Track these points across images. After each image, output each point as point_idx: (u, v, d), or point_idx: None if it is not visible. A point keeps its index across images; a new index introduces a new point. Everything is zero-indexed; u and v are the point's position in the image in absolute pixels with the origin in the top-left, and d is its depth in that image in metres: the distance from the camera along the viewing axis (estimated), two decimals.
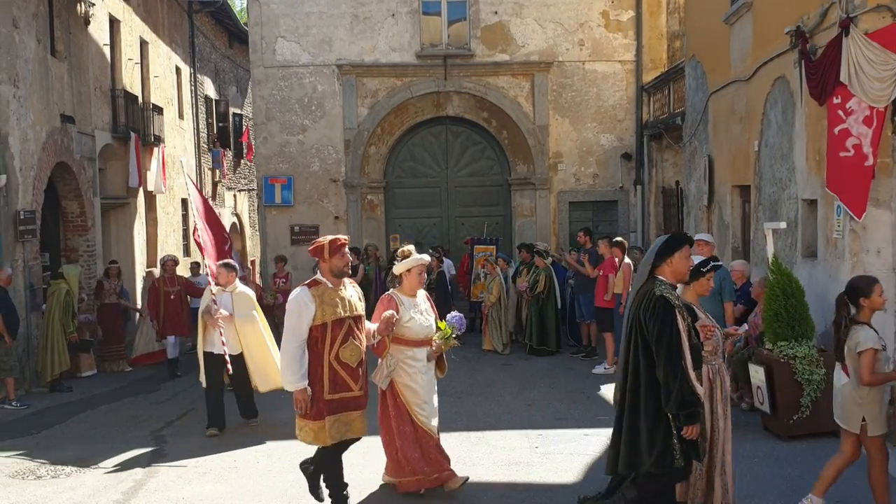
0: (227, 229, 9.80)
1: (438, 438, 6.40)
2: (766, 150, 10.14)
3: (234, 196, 25.31)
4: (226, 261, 9.07)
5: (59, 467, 7.64)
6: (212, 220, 9.97)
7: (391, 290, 6.42)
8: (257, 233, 22.63)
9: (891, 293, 7.56)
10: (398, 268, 6.32)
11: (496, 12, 17.03)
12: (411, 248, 6.39)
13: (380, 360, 6.26)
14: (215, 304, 8.65)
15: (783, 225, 8.96)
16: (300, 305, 5.68)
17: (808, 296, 8.07)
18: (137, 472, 7.41)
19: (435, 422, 6.38)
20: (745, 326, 8.63)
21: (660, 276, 5.05)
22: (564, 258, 13.70)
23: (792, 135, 9.30)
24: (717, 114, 12.22)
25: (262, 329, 8.88)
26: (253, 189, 25.65)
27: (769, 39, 9.78)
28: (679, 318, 4.81)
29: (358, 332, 5.86)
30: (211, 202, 9.96)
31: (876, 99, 7.49)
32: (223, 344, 8.52)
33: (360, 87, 17.06)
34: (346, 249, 5.89)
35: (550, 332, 12.87)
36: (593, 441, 7.90)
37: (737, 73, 11.17)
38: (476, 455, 7.56)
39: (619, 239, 12.10)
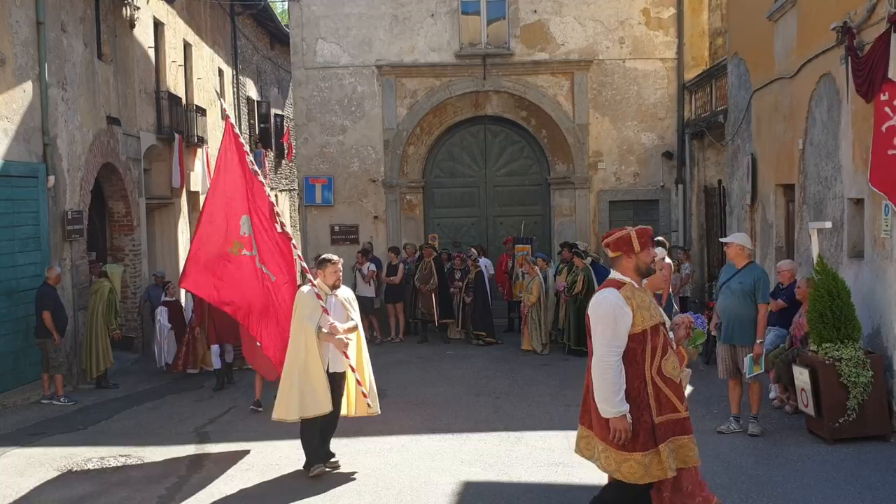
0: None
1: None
2: (811, 149, 9.98)
3: (276, 196, 25.58)
4: (325, 255, 7.37)
5: (105, 462, 7.79)
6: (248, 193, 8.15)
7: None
8: (298, 232, 22.85)
9: None
10: None
11: (535, 11, 16.95)
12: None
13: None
14: (327, 313, 7.03)
15: (829, 224, 8.81)
16: (616, 310, 4.65)
17: (854, 297, 7.93)
18: (181, 468, 7.53)
19: None
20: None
21: None
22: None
23: (838, 133, 9.13)
24: (760, 112, 12.05)
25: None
26: (294, 189, 25.91)
27: (814, 36, 9.61)
28: None
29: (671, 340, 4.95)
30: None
31: None
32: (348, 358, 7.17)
33: (400, 87, 17.11)
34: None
35: None
36: None
37: (781, 70, 11.00)
38: (515, 455, 7.56)
39: (659, 238, 11.99)
